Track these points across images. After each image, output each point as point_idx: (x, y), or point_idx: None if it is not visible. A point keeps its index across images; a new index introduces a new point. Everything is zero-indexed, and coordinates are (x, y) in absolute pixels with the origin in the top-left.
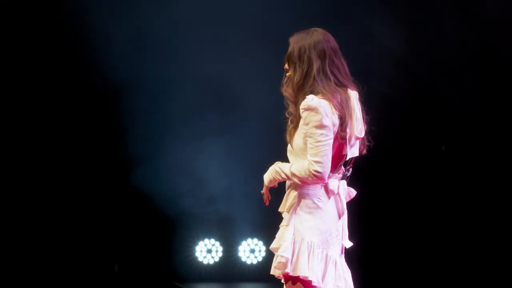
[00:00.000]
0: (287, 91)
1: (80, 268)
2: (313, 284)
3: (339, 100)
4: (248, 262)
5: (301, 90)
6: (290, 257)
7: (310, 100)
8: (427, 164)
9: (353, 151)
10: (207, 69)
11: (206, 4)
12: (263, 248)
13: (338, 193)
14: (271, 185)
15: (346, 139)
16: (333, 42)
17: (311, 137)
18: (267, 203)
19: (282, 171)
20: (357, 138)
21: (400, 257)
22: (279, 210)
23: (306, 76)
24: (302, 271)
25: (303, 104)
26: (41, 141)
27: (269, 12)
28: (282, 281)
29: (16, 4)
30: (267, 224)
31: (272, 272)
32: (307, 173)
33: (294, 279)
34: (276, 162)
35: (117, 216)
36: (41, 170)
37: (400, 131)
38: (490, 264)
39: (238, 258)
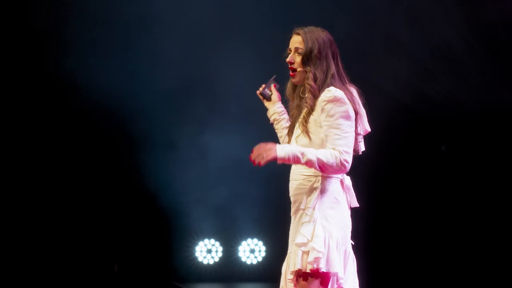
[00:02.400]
0: (309, 84)
1: (80, 268)
2: (340, 280)
3: (352, 96)
4: (248, 262)
5: (321, 88)
6: (325, 252)
7: (335, 91)
8: (427, 164)
9: (362, 145)
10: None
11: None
12: (263, 248)
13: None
14: (280, 162)
15: (358, 135)
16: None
17: (337, 128)
18: (255, 164)
19: (305, 156)
20: (366, 132)
21: (399, 257)
22: (301, 207)
23: (326, 74)
24: (336, 268)
25: (327, 96)
26: (41, 141)
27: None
28: (291, 279)
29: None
30: (267, 224)
31: (300, 267)
32: (337, 161)
33: (321, 275)
34: (295, 145)
35: (117, 216)
36: (41, 171)
37: (399, 131)
38: (490, 264)
39: (238, 258)
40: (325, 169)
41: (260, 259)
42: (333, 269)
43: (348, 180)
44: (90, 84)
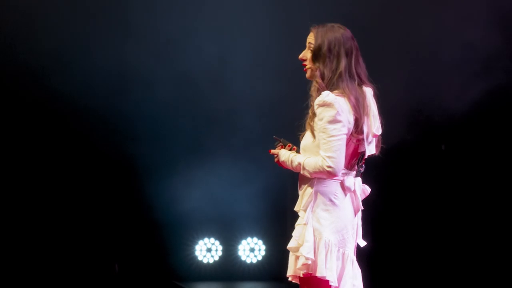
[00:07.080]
0: (317, 81)
1: (80, 268)
2: (330, 284)
3: (356, 100)
4: (248, 261)
5: (328, 86)
6: (314, 258)
7: (326, 96)
8: (427, 164)
9: (370, 149)
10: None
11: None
12: (263, 247)
13: (354, 190)
14: (279, 163)
15: (362, 139)
16: (355, 41)
17: (324, 132)
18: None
19: (295, 161)
20: (374, 136)
21: (400, 257)
22: (295, 209)
23: (335, 72)
24: (320, 271)
25: (318, 101)
26: (43, 142)
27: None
28: (292, 281)
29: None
30: (267, 223)
31: (293, 273)
32: (320, 169)
33: (311, 279)
34: (296, 156)
35: (117, 215)
36: (42, 171)
37: (399, 130)
38: (490, 264)
39: (238, 257)
40: (313, 176)
41: (260, 258)
42: (317, 273)
43: (349, 182)
44: (93, 104)
